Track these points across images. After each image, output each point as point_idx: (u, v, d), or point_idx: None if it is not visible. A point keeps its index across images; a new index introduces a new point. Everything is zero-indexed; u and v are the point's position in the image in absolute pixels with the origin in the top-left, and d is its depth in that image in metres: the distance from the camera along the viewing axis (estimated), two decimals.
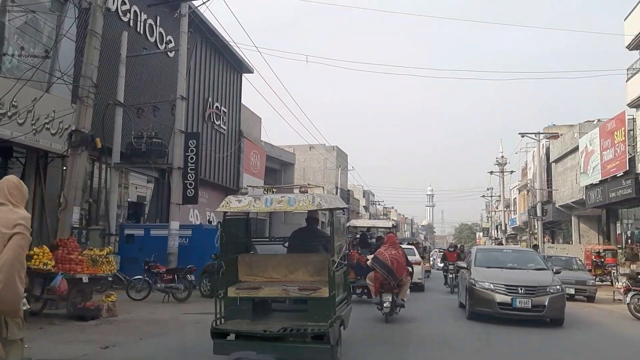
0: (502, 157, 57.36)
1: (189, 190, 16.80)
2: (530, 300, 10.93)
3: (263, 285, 7.11)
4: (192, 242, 16.52)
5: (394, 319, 10.91)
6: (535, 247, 23.24)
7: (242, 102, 29.73)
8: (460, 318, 12.16)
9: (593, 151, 29.43)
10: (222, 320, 6.84)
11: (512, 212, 47.16)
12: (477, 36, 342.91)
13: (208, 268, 14.33)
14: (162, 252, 15.55)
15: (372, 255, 12.38)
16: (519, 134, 32.17)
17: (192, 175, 16.81)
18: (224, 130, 26.11)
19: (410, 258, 14.74)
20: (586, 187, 30.81)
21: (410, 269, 11.95)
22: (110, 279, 11.71)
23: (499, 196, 51.82)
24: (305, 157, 49.90)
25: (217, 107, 25.37)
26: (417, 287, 18.64)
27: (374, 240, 18.13)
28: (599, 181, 28.87)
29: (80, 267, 10.02)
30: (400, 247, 12.04)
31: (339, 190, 48.03)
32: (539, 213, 31.22)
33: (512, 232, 48.46)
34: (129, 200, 19.90)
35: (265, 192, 8.52)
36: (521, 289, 11.02)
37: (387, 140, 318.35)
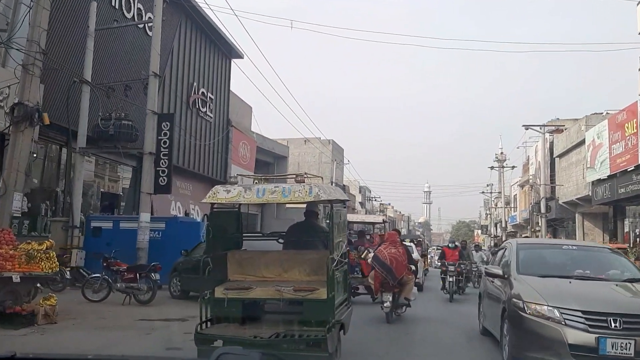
0: (502, 153, 55.66)
1: (161, 178, 15.01)
2: (633, 342, 5.93)
3: (254, 285, 6.49)
4: (165, 237, 14.80)
5: (398, 319, 10.46)
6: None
7: (232, 90, 27.95)
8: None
9: (601, 145, 27.69)
10: (208, 324, 6.26)
11: (513, 209, 45.47)
12: (480, 27, 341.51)
13: (178, 265, 12.57)
14: (132, 247, 13.83)
15: (371, 253, 11.79)
16: (523, 126, 30.47)
17: (165, 162, 15.02)
18: (211, 118, 24.31)
19: None
20: (592, 182, 29.08)
21: (413, 267, 11.38)
22: (57, 277, 9.91)
23: (499, 192, 50.14)
24: (300, 151, 48.12)
25: (203, 93, 23.57)
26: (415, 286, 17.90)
27: (368, 236, 16.34)
28: (607, 176, 27.13)
29: (10, 263, 8.24)
30: (403, 245, 11.50)
31: (334, 185, 46.27)
32: (542, 209, 29.50)
33: (512, 230, 46.73)
34: (102, 190, 18.10)
35: (257, 182, 8.35)
36: (615, 321, 6.04)
37: (385, 136, 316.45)
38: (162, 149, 14.92)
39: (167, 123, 15.22)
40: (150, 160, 14.04)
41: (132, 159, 19.46)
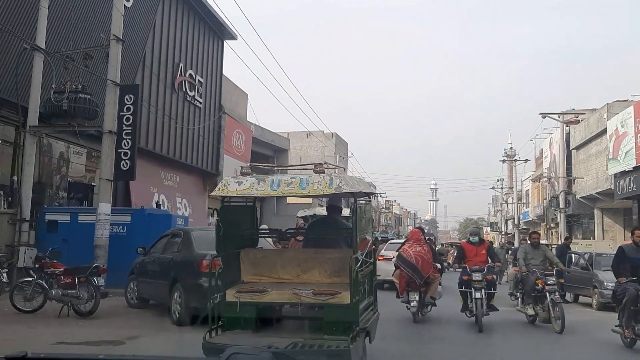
0: (511, 148, 53.04)
1: (123, 161, 12.60)
2: None
3: (269, 287, 5.88)
4: (131, 231, 12.40)
5: (424, 318, 10.24)
6: (566, 241, 18.44)
7: (225, 74, 25.50)
8: None
9: (626, 134, 25.03)
10: (218, 331, 5.64)
11: (525, 204, 42.77)
12: (492, 27, 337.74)
13: (135, 267, 10.14)
14: (92, 244, 11.45)
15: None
16: (540, 114, 27.75)
17: (127, 142, 12.59)
18: (200, 103, 21.86)
19: None
20: (615, 175, 26.43)
21: (438, 266, 10.92)
22: None
23: (510, 188, 47.43)
24: (302, 145, 45.66)
25: (191, 75, 21.12)
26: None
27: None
28: (633, 167, 24.50)
29: None
30: (427, 242, 10.87)
31: None
32: (562, 204, 26.83)
33: (524, 227, 44.04)
34: (70, 179, 15.68)
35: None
36: None
37: (390, 130, 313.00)
38: (125, 127, 12.52)
39: (131, 96, 12.77)
40: (110, 140, 11.62)
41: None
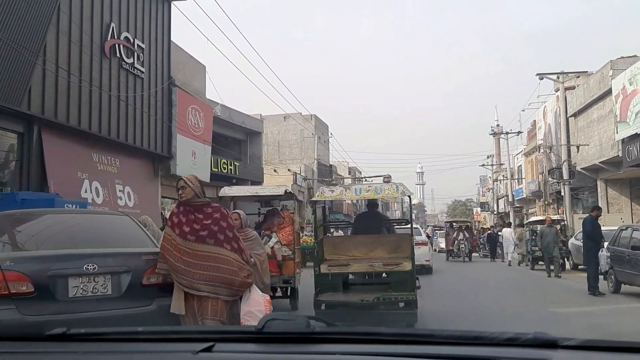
0: (498, 125, 49.74)
1: None
2: None
3: (350, 262, 7.63)
4: None
5: None
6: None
7: (181, 45, 21.59)
8: None
9: (635, 92, 21.50)
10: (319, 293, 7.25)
11: (518, 181, 39.29)
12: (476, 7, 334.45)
13: None
14: None
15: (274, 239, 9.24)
16: (537, 75, 24.14)
17: None
18: (142, 73, 17.95)
19: (416, 238, 15.06)
20: (623, 140, 22.93)
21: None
22: None
23: (500, 165, 43.93)
24: (279, 129, 41.82)
25: (127, 39, 17.20)
26: (425, 270, 17.22)
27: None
28: None
29: None
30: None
31: (316, 163, 39.88)
32: (565, 175, 23.23)
33: (517, 205, 40.64)
34: None
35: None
36: None
37: (375, 113, 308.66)
38: None
39: None
40: None
41: (16, 122, 13.33)
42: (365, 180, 42.39)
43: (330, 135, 43.31)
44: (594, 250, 11.28)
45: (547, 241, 17.33)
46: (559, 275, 16.74)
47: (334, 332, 1.86)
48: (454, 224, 30.32)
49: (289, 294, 9.08)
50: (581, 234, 19.24)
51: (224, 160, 27.74)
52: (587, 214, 13.50)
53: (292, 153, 41.61)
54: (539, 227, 22.42)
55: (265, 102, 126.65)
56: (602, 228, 18.92)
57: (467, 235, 27.34)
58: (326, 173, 42.42)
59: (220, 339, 1.80)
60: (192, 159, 20.91)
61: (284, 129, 41.70)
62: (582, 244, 13.32)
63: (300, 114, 39.25)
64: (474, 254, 29.39)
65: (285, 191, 9.21)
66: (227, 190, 9.03)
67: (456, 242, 27.16)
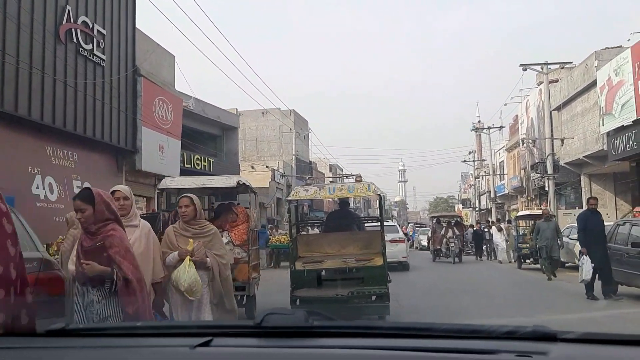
0: (479, 121, 49.10)
1: None
2: None
3: (323, 258, 7.88)
4: None
5: None
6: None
7: (151, 34, 20.27)
8: None
9: (621, 83, 20.66)
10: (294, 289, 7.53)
11: (500, 177, 38.44)
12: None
13: None
14: None
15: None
16: (520, 65, 23.18)
17: None
18: (102, 60, 16.62)
19: (393, 235, 17.36)
20: (608, 133, 22.12)
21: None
22: None
23: (482, 160, 43.15)
24: (257, 124, 40.54)
25: (85, 23, 15.88)
26: (402, 266, 17.60)
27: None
28: (633, 121, 20.20)
29: None
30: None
31: (294, 160, 38.68)
32: (550, 169, 22.34)
33: (499, 202, 39.83)
34: None
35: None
36: None
37: (356, 109, 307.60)
38: None
39: None
40: None
41: None
42: (339, 180, 41.46)
43: (309, 130, 42.12)
44: (593, 248, 9.80)
45: (545, 237, 14.93)
46: (554, 275, 14.86)
47: (333, 326, 1.84)
48: (441, 219, 26.16)
49: (244, 302, 7.74)
50: (567, 230, 18.43)
51: (197, 156, 26.50)
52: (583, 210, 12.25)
53: (270, 149, 40.37)
54: (523, 223, 21.42)
55: (244, 98, 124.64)
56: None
57: (457, 232, 23.27)
58: (306, 170, 41.27)
59: (219, 333, 1.79)
60: (160, 153, 19.61)
61: (262, 125, 40.44)
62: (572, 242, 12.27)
63: (279, 109, 37.97)
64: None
65: (238, 182, 7.87)
66: (169, 182, 7.73)
67: (445, 240, 23.18)
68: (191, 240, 4.64)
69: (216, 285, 4.79)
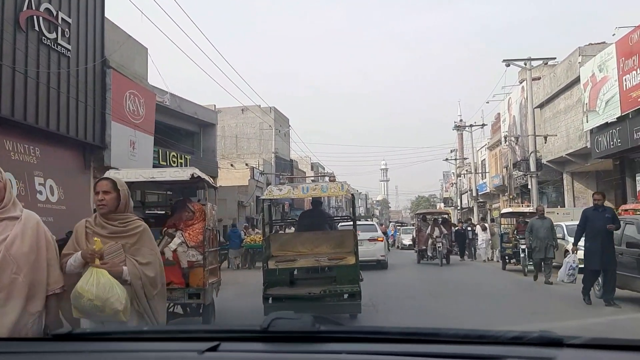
0: (461, 120, 48.78)
1: None
2: None
3: (296, 257, 7.89)
4: None
5: None
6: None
7: (125, 28, 19.32)
8: None
9: (605, 79, 20.27)
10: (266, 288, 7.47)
11: (482, 175, 37.98)
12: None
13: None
14: None
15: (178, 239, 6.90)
16: (503, 61, 22.62)
17: None
18: (68, 50, 15.67)
19: (372, 234, 17.99)
20: (592, 131, 21.73)
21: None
22: None
23: (464, 159, 42.70)
24: (237, 122, 39.62)
25: (48, 10, 14.91)
26: (380, 265, 17.69)
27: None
28: (617, 118, 19.83)
29: None
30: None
31: (274, 157, 37.88)
32: (532, 167, 21.84)
33: (481, 200, 39.40)
34: None
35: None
36: None
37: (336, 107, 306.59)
38: None
39: None
40: None
41: None
42: (321, 179, 40.80)
43: (289, 127, 41.29)
44: (592, 248, 8.90)
45: (540, 237, 13.45)
46: (550, 281, 13.09)
47: (340, 330, 1.82)
48: (427, 216, 23.89)
49: (200, 311, 6.85)
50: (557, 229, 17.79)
51: (173, 154, 25.61)
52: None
53: (250, 147, 39.51)
54: (505, 221, 20.68)
55: (223, 95, 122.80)
56: (567, 224, 17.17)
57: (444, 231, 20.88)
58: (286, 168, 40.46)
59: (226, 338, 1.77)
60: (131, 149, 18.69)
61: (242, 122, 39.53)
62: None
63: (259, 106, 37.12)
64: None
65: (192, 175, 6.82)
66: (113, 175, 6.67)
67: (431, 240, 20.73)
68: (97, 239, 3.26)
69: (140, 308, 3.36)
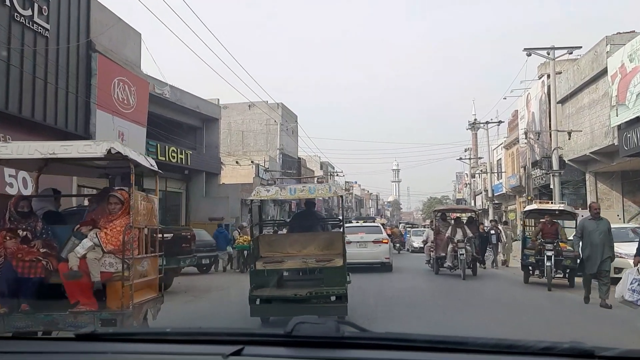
0: (475, 119, 46.80)
1: None
2: None
3: (284, 259, 7.73)
4: None
5: None
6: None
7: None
8: None
9: (636, 69, 18.35)
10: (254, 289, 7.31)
11: (498, 175, 36.03)
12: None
13: None
14: None
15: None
16: (524, 50, 20.68)
17: None
18: (46, 30, 14.17)
19: (376, 236, 17.36)
20: (619, 127, 19.80)
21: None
22: None
23: (479, 158, 40.75)
24: (243, 118, 38.08)
25: None
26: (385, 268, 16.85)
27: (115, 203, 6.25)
28: None
29: None
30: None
31: (280, 155, 36.26)
32: (555, 166, 19.97)
33: (496, 202, 37.45)
34: None
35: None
36: None
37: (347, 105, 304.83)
38: None
39: None
40: None
41: None
42: (319, 180, 39.31)
43: (296, 123, 39.66)
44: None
45: (594, 244, 10.05)
46: (607, 303, 9.57)
47: (365, 337, 1.75)
48: (447, 214, 18.32)
49: None
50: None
51: (173, 148, 24.21)
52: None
53: (257, 144, 37.95)
54: (528, 222, 17.47)
55: (230, 92, 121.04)
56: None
57: (469, 233, 15.59)
58: (293, 166, 38.83)
59: (249, 341, 1.76)
60: (119, 140, 17.13)
61: (248, 118, 37.98)
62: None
63: (266, 102, 35.56)
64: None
65: (109, 151, 4.95)
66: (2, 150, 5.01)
67: (451, 245, 15.38)
68: None
69: None
